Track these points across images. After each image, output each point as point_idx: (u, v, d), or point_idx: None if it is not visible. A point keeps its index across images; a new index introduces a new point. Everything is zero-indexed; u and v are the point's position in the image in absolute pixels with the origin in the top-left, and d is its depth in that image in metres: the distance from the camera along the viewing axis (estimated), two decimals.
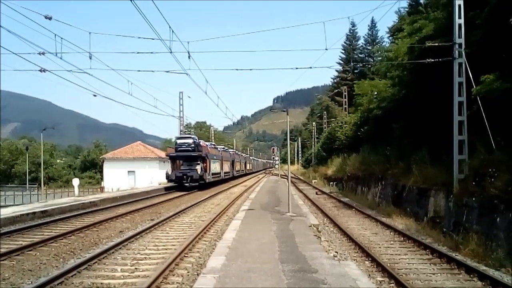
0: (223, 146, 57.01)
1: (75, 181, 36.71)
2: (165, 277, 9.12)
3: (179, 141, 38.54)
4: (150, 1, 13.28)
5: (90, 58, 18.06)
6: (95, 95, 23.51)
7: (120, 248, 12.15)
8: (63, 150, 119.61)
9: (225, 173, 48.54)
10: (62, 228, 15.94)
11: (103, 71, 21.08)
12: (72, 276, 9.25)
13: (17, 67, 33.87)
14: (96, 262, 10.47)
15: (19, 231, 14.87)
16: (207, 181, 37.64)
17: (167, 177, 37.09)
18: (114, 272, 9.75)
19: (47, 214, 19.18)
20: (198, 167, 35.99)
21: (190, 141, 37.49)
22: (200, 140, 40.37)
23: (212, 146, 46.62)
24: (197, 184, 37.21)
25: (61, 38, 16.92)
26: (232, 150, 66.71)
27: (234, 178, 55.46)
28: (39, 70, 17.53)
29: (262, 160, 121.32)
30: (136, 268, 10.11)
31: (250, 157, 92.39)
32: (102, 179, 59.90)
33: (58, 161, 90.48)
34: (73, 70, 19.14)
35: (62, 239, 13.54)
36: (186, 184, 36.88)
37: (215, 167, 42.41)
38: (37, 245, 12.45)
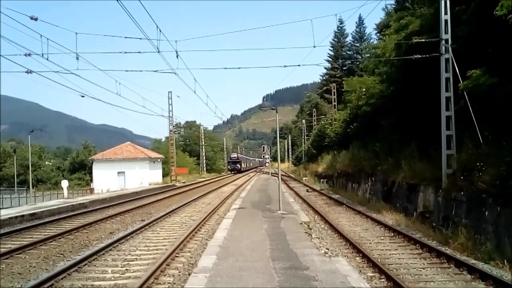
0: (241, 155, 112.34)
1: (64, 183, 36.21)
2: (156, 277, 9.09)
3: (231, 155, 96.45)
4: (137, 0, 13.21)
5: (77, 58, 17.83)
6: (83, 96, 23.39)
7: (110, 250, 12.10)
8: (52, 152, 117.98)
9: (246, 166, 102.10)
10: (51, 230, 15.83)
11: (90, 71, 20.74)
12: (62, 278, 9.19)
13: (3, 69, 33.46)
14: (86, 264, 10.42)
15: (7, 234, 14.75)
16: (241, 170, 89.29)
17: (228, 169, 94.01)
18: (105, 274, 9.70)
19: (36, 216, 19.05)
20: (238, 165, 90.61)
21: (236, 155, 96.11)
22: (238, 154, 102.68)
23: (243, 156, 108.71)
24: (237, 171, 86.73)
25: (47, 39, 16.69)
26: (245, 156, 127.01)
27: (248, 170, 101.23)
28: (25, 72, 17.32)
29: (259, 159, 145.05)
30: (127, 269, 10.06)
31: (251, 158, 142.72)
32: (91, 180, 59.21)
33: (46, 163, 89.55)
34: (60, 71, 18.91)
35: (51, 242, 13.46)
36: (233, 172, 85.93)
37: (244, 164, 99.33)
38: (26, 248, 12.37)
